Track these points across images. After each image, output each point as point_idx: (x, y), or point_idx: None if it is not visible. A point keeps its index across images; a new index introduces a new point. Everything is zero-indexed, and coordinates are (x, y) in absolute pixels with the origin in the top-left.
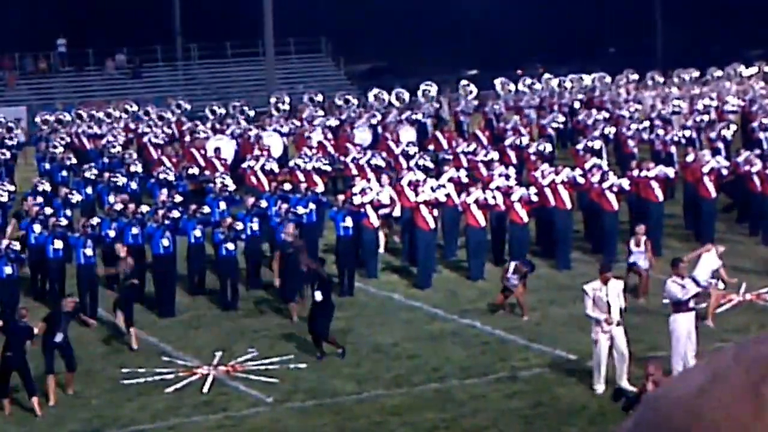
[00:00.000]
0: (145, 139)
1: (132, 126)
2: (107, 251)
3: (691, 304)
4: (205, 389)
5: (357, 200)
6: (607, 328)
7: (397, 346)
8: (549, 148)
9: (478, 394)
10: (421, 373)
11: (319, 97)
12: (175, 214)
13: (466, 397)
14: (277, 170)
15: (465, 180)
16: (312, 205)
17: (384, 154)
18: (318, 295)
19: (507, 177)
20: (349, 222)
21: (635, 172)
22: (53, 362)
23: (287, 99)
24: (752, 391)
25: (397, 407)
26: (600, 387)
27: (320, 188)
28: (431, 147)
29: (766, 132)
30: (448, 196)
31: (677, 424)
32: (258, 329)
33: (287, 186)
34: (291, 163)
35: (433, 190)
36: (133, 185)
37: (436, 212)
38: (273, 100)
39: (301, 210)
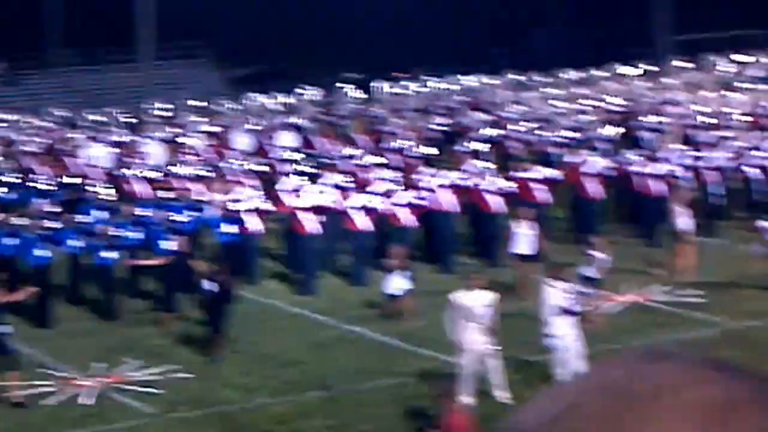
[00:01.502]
0: (21, 147)
1: (7, 135)
2: None
3: (576, 307)
4: (88, 401)
5: (236, 206)
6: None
7: (282, 353)
8: (431, 150)
9: (365, 400)
10: (308, 381)
11: (199, 103)
12: (53, 223)
13: (352, 403)
14: (155, 177)
15: (347, 184)
16: (191, 212)
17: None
18: (212, 286)
19: (390, 181)
20: (229, 228)
21: (518, 174)
22: None
23: (166, 105)
24: (608, 421)
25: (283, 415)
26: (467, 399)
27: (200, 195)
28: (312, 151)
29: (648, 132)
30: (330, 201)
31: None
32: (141, 339)
33: (166, 193)
34: (169, 170)
35: (314, 195)
36: (8, 194)
37: (318, 217)
38: (151, 106)
39: (180, 217)
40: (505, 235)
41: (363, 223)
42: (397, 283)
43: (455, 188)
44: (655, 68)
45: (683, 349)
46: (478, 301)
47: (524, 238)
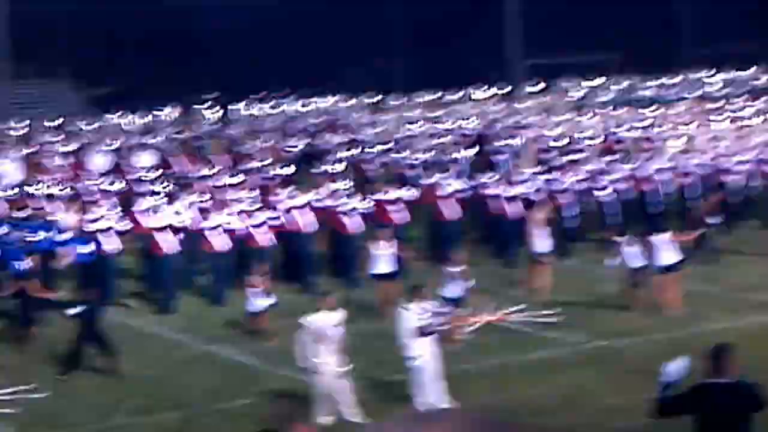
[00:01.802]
0: None
1: None
2: None
3: (432, 328)
4: None
5: (92, 226)
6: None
7: (139, 373)
8: (290, 171)
9: (222, 420)
10: (165, 401)
11: (57, 122)
12: None
13: (211, 423)
14: (10, 197)
15: (204, 204)
16: (46, 232)
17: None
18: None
19: (247, 201)
20: (85, 248)
21: (375, 195)
22: None
23: (22, 124)
24: None
25: None
26: (324, 420)
27: (55, 214)
28: (170, 171)
29: (502, 154)
30: (187, 221)
31: None
32: None
33: (21, 213)
34: (25, 190)
35: (171, 215)
36: None
37: (176, 237)
38: (6, 126)
39: (35, 237)
40: (364, 255)
41: (220, 243)
42: (259, 302)
43: (312, 209)
44: (509, 92)
45: (456, 410)
46: (330, 321)
47: (383, 258)
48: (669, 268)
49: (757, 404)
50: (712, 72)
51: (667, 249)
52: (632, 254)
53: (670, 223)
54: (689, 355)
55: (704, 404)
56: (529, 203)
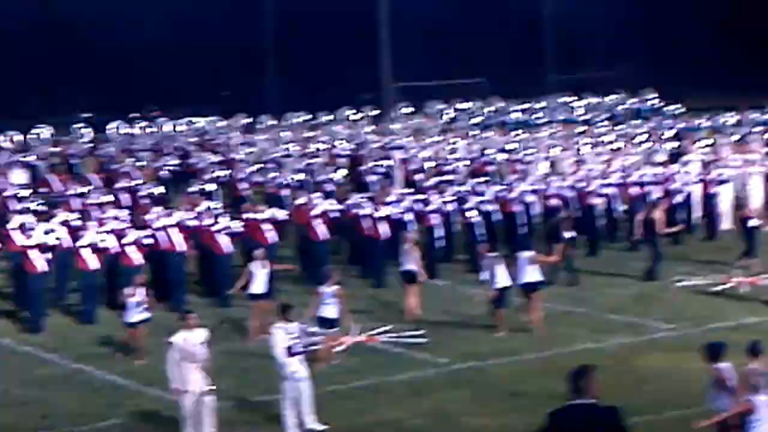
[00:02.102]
0: None
1: None
2: None
3: (303, 348)
4: None
5: None
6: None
7: (7, 392)
8: (162, 190)
9: None
10: (31, 421)
11: None
12: None
13: None
14: None
15: (77, 223)
16: None
17: None
18: None
19: (120, 220)
20: None
21: (247, 215)
22: None
23: None
24: None
25: None
26: None
27: None
28: (44, 189)
29: (374, 175)
30: (60, 239)
31: None
32: None
33: None
34: None
35: (44, 233)
36: None
37: (47, 256)
38: None
39: None
40: (244, 274)
41: (92, 261)
42: (136, 314)
43: (185, 228)
44: (381, 114)
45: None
46: (193, 339)
47: (256, 277)
48: (532, 288)
49: (616, 426)
50: (576, 97)
51: (531, 269)
52: (498, 274)
53: (535, 244)
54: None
55: (564, 426)
56: (399, 224)
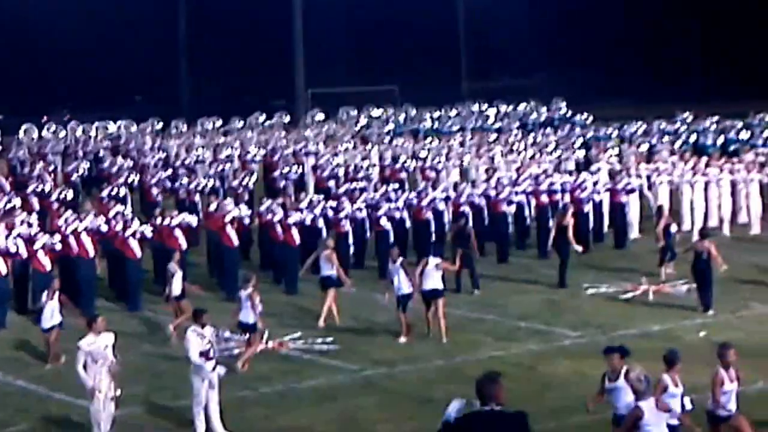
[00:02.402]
0: None
1: None
2: None
3: (215, 353)
4: None
5: None
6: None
7: None
8: (72, 195)
9: None
10: None
11: None
12: None
13: None
14: None
15: None
16: None
17: None
18: None
19: (29, 224)
20: None
21: (159, 220)
22: None
23: None
24: None
25: None
26: None
27: None
28: None
29: (287, 181)
30: None
31: None
32: None
33: None
34: None
35: None
36: None
37: None
38: None
39: None
40: (168, 276)
41: (1, 266)
42: (49, 319)
43: (95, 233)
44: (293, 120)
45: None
46: (100, 343)
47: (177, 280)
48: (433, 295)
49: None
50: (488, 106)
51: (435, 276)
52: (401, 281)
53: (445, 251)
54: (465, 399)
55: None
56: (311, 230)
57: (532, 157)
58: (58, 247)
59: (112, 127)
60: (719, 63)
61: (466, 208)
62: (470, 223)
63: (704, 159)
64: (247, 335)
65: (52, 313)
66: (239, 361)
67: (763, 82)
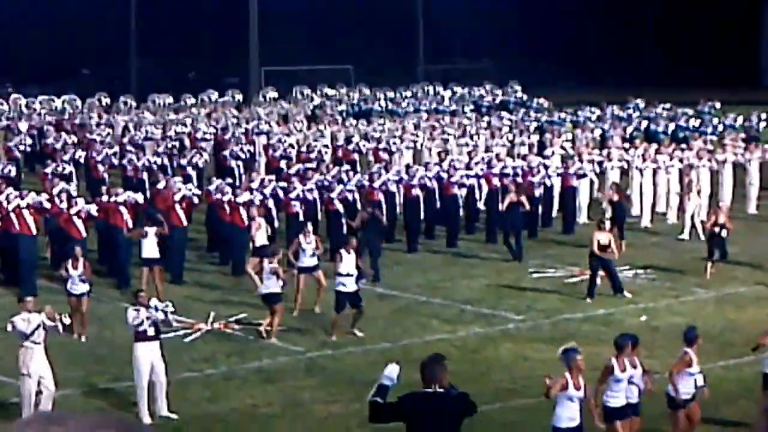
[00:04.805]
0: None
1: None
2: None
3: (151, 332)
4: None
5: None
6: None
7: None
8: (14, 171)
9: None
10: None
11: None
12: None
13: None
14: None
15: None
16: None
17: None
18: None
19: None
20: None
21: (105, 198)
22: None
23: None
24: None
25: None
26: None
27: None
28: None
29: (238, 160)
30: None
31: None
32: None
33: None
34: None
35: None
36: None
37: None
38: None
39: None
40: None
41: None
42: None
43: (38, 209)
44: (245, 98)
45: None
46: (31, 323)
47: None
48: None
49: (465, 413)
50: (443, 87)
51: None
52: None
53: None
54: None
55: (412, 413)
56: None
57: (486, 140)
58: None
59: (57, 102)
60: (673, 49)
61: (418, 191)
62: (385, 209)
63: (654, 146)
64: (273, 305)
65: None
66: (270, 335)
67: (715, 69)
